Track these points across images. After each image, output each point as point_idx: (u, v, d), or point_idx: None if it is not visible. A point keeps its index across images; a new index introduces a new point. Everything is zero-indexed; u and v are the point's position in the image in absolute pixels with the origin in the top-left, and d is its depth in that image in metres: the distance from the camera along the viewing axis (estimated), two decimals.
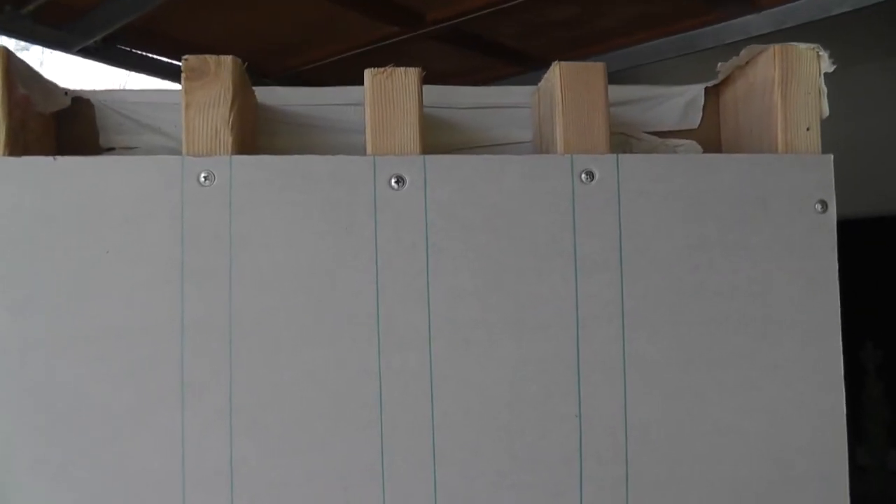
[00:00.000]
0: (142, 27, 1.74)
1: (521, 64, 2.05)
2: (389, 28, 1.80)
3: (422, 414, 0.69)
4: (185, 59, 0.72)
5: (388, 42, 1.85)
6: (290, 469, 0.69)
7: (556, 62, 0.74)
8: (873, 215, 2.16)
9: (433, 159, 0.71)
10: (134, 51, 1.87)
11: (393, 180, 0.70)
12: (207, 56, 0.72)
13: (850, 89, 2.07)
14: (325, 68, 1.98)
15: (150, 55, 1.91)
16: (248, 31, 1.83)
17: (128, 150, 0.82)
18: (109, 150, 0.82)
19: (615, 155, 0.72)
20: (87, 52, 1.78)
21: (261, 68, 2.00)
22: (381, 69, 0.72)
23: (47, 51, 1.88)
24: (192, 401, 0.68)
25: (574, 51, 1.96)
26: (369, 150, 0.72)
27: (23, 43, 1.98)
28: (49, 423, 0.67)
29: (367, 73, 0.72)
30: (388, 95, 0.72)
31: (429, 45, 1.89)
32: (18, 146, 0.72)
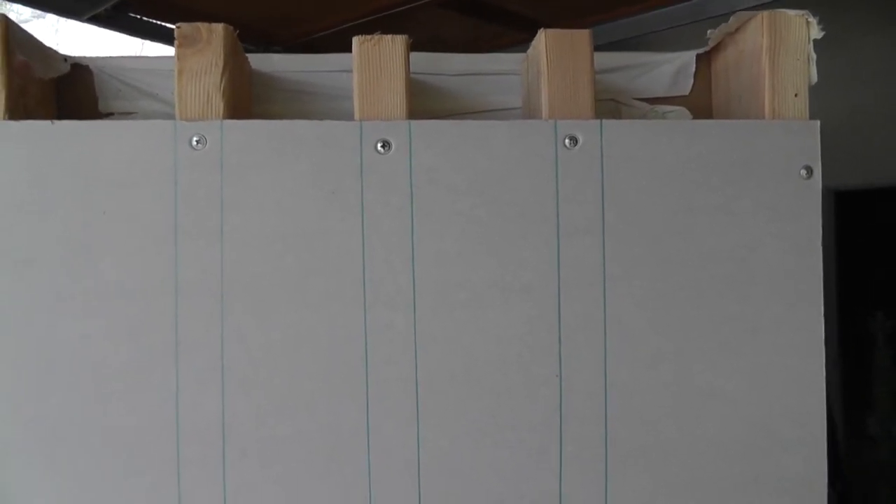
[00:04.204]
0: None
1: (531, 31, 2.03)
2: None
3: (406, 373, 0.71)
4: (178, 27, 0.73)
5: (397, 10, 1.85)
6: (280, 425, 0.71)
7: (542, 29, 0.75)
8: (889, 185, 2.15)
9: (419, 124, 0.72)
10: (145, 19, 1.88)
11: (379, 145, 0.71)
12: (200, 24, 0.73)
13: (861, 58, 2.04)
14: (334, 37, 1.98)
15: (162, 23, 1.92)
16: None
17: (126, 115, 0.84)
18: (108, 115, 0.84)
19: (599, 120, 0.73)
20: (97, 20, 1.78)
21: (270, 37, 1.99)
22: (369, 36, 0.73)
23: (62, 19, 1.89)
24: (185, 358, 0.70)
25: (584, 17, 1.93)
26: (357, 115, 0.73)
27: (37, 11, 1.99)
28: (47, 380, 0.70)
29: (355, 41, 0.73)
30: (375, 62, 0.73)
31: (438, 13, 1.88)
32: (19, 110, 0.74)
